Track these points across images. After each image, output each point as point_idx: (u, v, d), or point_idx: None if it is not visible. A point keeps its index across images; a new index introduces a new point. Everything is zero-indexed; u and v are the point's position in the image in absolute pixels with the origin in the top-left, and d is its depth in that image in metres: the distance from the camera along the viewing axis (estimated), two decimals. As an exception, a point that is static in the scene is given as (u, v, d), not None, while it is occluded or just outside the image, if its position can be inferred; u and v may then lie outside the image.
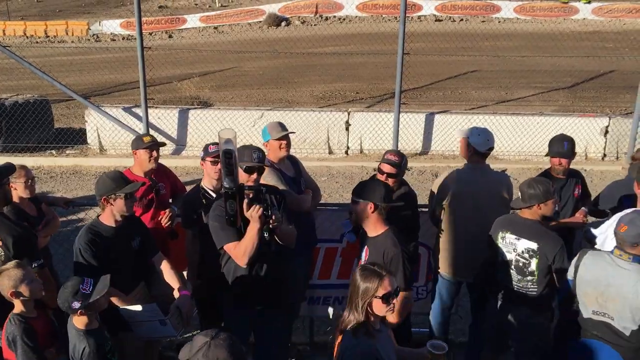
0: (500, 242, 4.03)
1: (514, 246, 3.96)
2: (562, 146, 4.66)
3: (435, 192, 4.63)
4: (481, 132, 4.60)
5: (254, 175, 3.61)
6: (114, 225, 3.63)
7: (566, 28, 24.30)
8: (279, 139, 4.37)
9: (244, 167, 3.57)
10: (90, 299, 3.15)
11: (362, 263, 3.52)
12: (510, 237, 3.98)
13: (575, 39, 20.08)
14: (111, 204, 3.58)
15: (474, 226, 4.35)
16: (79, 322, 3.25)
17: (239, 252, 3.53)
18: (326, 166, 9.98)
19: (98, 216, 3.70)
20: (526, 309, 3.96)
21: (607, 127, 10.03)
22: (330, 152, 10.46)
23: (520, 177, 9.29)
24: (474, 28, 20.29)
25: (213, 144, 4.34)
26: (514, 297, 4.01)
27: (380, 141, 10.01)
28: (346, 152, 10.49)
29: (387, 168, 4.35)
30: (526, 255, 3.91)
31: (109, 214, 3.62)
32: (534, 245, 3.87)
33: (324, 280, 5.04)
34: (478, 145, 4.50)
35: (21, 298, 3.29)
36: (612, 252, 3.51)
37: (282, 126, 4.45)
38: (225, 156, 3.20)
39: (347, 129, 10.41)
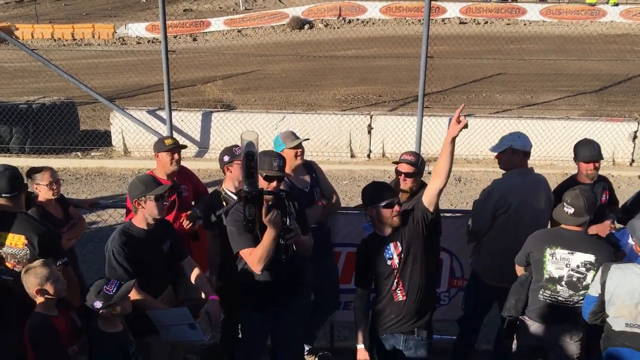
0: (548, 259, 3.82)
1: (567, 261, 3.76)
2: (593, 149, 4.53)
3: (487, 204, 4.41)
4: (519, 135, 4.53)
5: (274, 184, 3.58)
6: (145, 228, 3.65)
7: (593, 31, 23.90)
8: (293, 148, 4.37)
9: (264, 175, 3.53)
10: (111, 300, 3.17)
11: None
12: (561, 252, 3.78)
13: (602, 42, 19.73)
14: (142, 207, 3.60)
15: (528, 231, 4.14)
16: (103, 324, 3.27)
17: (254, 258, 3.52)
18: (348, 170, 9.94)
19: (131, 219, 3.72)
20: (568, 325, 3.82)
21: (635, 132, 9.83)
22: (352, 156, 10.43)
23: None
24: (499, 31, 20.10)
25: (237, 146, 4.34)
26: (558, 314, 3.85)
27: (402, 145, 9.92)
28: (368, 156, 10.44)
29: (404, 168, 4.31)
30: (582, 269, 3.72)
31: (141, 217, 3.64)
32: (591, 258, 3.70)
33: (345, 285, 5.00)
34: (525, 146, 4.43)
35: (45, 296, 3.33)
36: (638, 262, 3.41)
37: (294, 135, 4.45)
38: (247, 158, 3.17)
39: (369, 132, 10.36)
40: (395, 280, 3.73)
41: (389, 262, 3.73)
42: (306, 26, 27.47)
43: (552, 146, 9.84)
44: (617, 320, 3.48)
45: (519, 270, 4.06)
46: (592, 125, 9.76)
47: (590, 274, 3.69)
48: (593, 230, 4.49)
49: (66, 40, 26.54)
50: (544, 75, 15.17)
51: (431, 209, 3.65)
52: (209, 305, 3.68)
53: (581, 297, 3.74)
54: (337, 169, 9.90)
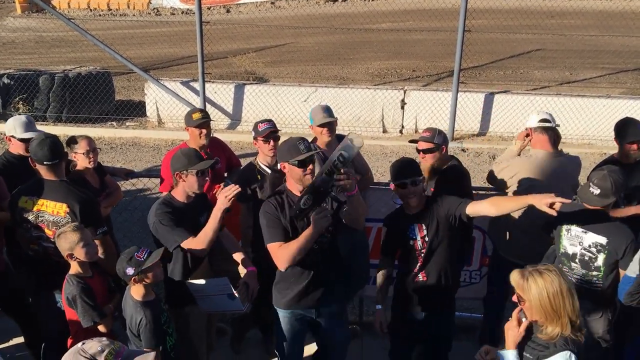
0: (564, 235, 3.85)
1: (580, 239, 3.76)
2: (637, 129, 4.39)
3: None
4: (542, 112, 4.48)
5: (310, 166, 3.40)
6: (185, 201, 3.67)
7: (638, 6, 22.99)
8: (320, 126, 4.37)
9: (296, 162, 3.35)
10: (143, 266, 3.22)
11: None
12: (576, 229, 3.77)
13: (648, 17, 18.99)
14: (183, 180, 3.61)
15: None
16: (135, 292, 3.34)
17: (284, 254, 3.34)
18: (380, 145, 9.86)
19: (170, 192, 3.75)
20: (588, 303, 3.80)
21: (679, 111, 9.48)
22: (385, 131, 10.34)
23: (584, 161, 8.90)
24: (540, 5, 19.45)
25: (262, 121, 4.36)
26: (579, 289, 3.85)
27: (436, 121, 9.79)
28: (400, 132, 10.34)
29: (422, 145, 4.28)
30: (593, 250, 3.71)
31: (182, 190, 3.65)
32: (602, 240, 3.68)
33: (375, 260, 5.00)
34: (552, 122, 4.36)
35: (76, 259, 3.43)
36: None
37: (326, 111, 4.45)
38: (339, 159, 3.14)
39: (402, 107, 10.23)
40: (418, 263, 3.75)
41: (411, 243, 3.74)
42: (340, -2, 27.06)
43: (590, 125, 9.59)
44: (655, 303, 3.43)
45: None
46: (634, 104, 9.46)
47: (600, 256, 3.67)
48: (633, 211, 4.40)
49: (102, 10, 26.73)
50: (584, 51, 14.70)
51: (470, 217, 3.63)
52: (247, 276, 3.73)
53: (594, 277, 3.73)
54: (369, 144, 9.82)
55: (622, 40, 14.33)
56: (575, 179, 4.33)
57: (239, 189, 3.41)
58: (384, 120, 10.32)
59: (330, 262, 3.61)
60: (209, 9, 24.63)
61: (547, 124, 4.31)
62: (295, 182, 3.42)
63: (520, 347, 2.77)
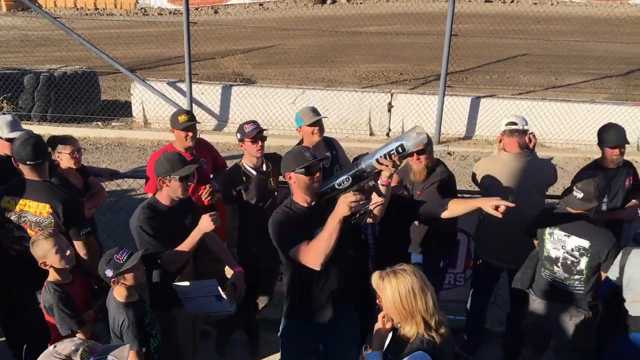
0: (547, 238, 3.90)
1: (563, 243, 3.82)
2: (619, 134, 4.47)
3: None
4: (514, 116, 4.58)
5: (318, 174, 3.30)
6: (169, 204, 3.65)
7: (623, 13, 23.25)
8: (311, 125, 4.36)
9: (303, 170, 3.22)
10: (121, 268, 3.20)
11: None
12: (559, 233, 3.84)
13: (632, 24, 19.24)
14: (167, 185, 3.59)
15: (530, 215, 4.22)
16: (118, 293, 3.32)
17: (313, 248, 3.08)
18: (367, 148, 9.83)
19: (154, 195, 3.72)
20: (570, 307, 3.85)
21: (662, 117, 9.61)
22: (372, 134, 10.36)
23: (567, 165, 9.02)
24: (526, 10, 19.62)
25: (247, 123, 4.35)
26: (558, 294, 3.90)
27: (422, 124, 9.80)
28: (387, 134, 10.36)
29: None
30: (576, 254, 3.77)
31: (166, 194, 3.63)
32: (585, 244, 3.74)
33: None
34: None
35: (50, 267, 3.38)
36: (660, 247, 3.38)
37: (314, 111, 4.43)
38: (397, 149, 3.06)
39: (389, 110, 10.27)
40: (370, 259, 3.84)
41: (363, 237, 3.81)
42: (329, 1, 27.14)
43: (575, 130, 9.68)
44: (634, 305, 3.48)
45: (536, 243, 4.10)
46: (617, 110, 9.56)
47: (583, 260, 3.73)
48: (618, 214, 4.48)
49: (88, 10, 26.55)
50: (569, 57, 14.84)
51: (421, 218, 3.66)
52: (235, 277, 3.72)
53: (576, 281, 3.78)
54: (356, 146, 9.80)
55: (606, 46, 14.48)
56: (542, 181, 4.34)
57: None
58: (371, 123, 10.34)
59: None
60: (196, 9, 24.56)
61: (513, 127, 4.35)
62: (303, 192, 3.30)
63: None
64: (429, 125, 9.74)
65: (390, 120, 10.31)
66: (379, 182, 3.24)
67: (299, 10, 23.84)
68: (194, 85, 10.02)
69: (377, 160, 3.09)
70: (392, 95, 10.30)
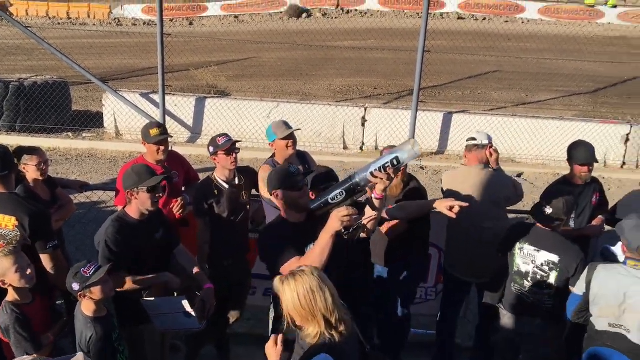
0: (518, 253, 3.95)
1: (533, 258, 3.87)
2: (588, 152, 4.55)
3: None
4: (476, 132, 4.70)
5: (306, 189, 3.27)
6: (139, 218, 3.59)
7: (591, 32, 23.95)
8: (285, 138, 4.34)
9: (291, 185, 3.18)
10: (88, 282, 3.13)
11: None
12: (529, 248, 3.89)
13: (599, 43, 19.82)
14: (135, 198, 3.53)
15: (488, 228, 4.31)
16: (86, 308, 3.24)
17: (306, 261, 2.98)
18: (340, 161, 9.90)
19: (124, 208, 3.66)
20: (540, 321, 3.90)
21: (628, 134, 9.86)
22: (345, 148, 10.41)
23: (537, 181, 9.18)
24: (497, 28, 20.06)
25: (220, 136, 4.32)
26: (528, 308, 3.95)
27: (396, 138, 9.92)
28: (361, 148, 10.42)
29: None
30: (546, 268, 3.83)
31: (135, 207, 3.57)
32: (555, 258, 3.80)
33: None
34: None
35: (8, 286, 3.28)
36: (625, 263, 3.43)
37: (286, 124, 4.42)
38: (392, 161, 3.05)
39: (363, 124, 10.34)
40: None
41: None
42: (304, 15, 27.34)
43: (545, 146, 9.87)
44: (600, 320, 3.52)
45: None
46: (586, 127, 9.79)
47: (553, 274, 3.79)
48: (585, 230, 4.56)
49: (61, 19, 26.29)
50: (539, 74, 15.17)
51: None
52: (204, 293, 3.65)
53: (546, 296, 3.84)
54: (330, 160, 9.85)
55: (575, 65, 14.87)
56: (499, 195, 4.40)
57: None
58: (344, 136, 10.39)
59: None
60: (171, 20, 24.49)
61: (473, 142, 4.46)
62: (292, 208, 3.24)
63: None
64: (402, 139, 9.80)
65: (364, 134, 10.38)
66: (372, 195, 3.22)
67: (275, 24, 23.99)
68: (167, 97, 9.94)
69: (371, 173, 3.07)
70: (366, 110, 10.37)
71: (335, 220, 2.92)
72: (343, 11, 28.19)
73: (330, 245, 2.96)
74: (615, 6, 29.53)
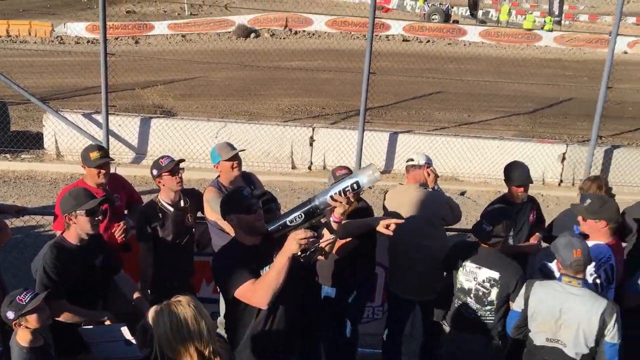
0: (460, 271, 4.05)
1: (475, 275, 3.99)
2: (523, 173, 4.74)
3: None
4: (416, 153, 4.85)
5: (260, 211, 3.24)
6: (78, 243, 3.49)
7: (529, 54, 24.98)
8: (230, 159, 4.33)
9: (246, 209, 3.16)
10: (23, 310, 3.02)
11: None
12: (470, 265, 4.00)
13: (537, 65, 20.68)
14: (74, 222, 3.44)
15: (425, 246, 4.42)
16: (21, 338, 3.13)
17: (260, 285, 2.97)
18: (288, 181, 9.94)
19: (62, 233, 3.55)
20: (482, 337, 4.00)
21: (564, 153, 10.29)
22: (294, 167, 10.44)
23: (480, 199, 9.44)
24: (440, 50, 20.72)
25: (162, 158, 4.27)
26: (470, 325, 4.05)
27: (343, 158, 10.03)
28: (309, 168, 10.48)
29: None
30: (487, 285, 3.94)
31: (74, 232, 3.48)
32: (495, 275, 3.92)
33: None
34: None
35: None
36: (560, 279, 3.57)
37: (231, 145, 4.42)
38: (352, 186, 3.09)
39: (311, 144, 10.41)
40: None
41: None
42: (252, 35, 27.40)
43: (486, 164, 10.16)
44: (538, 335, 3.64)
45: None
46: (524, 146, 10.16)
47: (494, 291, 3.91)
48: (523, 248, 4.73)
49: (0, 37, 25.43)
50: (480, 95, 15.68)
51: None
52: (146, 320, 3.56)
53: (487, 312, 3.96)
54: (278, 180, 9.89)
55: (513, 86, 15.47)
56: (433, 213, 4.50)
57: None
58: (293, 156, 10.43)
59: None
60: (116, 39, 24.08)
61: (410, 162, 4.62)
62: (246, 232, 3.21)
63: None
64: (350, 159, 9.94)
65: (312, 154, 10.45)
66: (331, 218, 3.25)
67: (223, 43, 23.92)
68: (111, 117, 9.73)
69: (331, 196, 3.11)
70: (313, 130, 10.45)
71: (293, 243, 2.91)
72: (291, 32, 28.42)
73: (286, 268, 2.94)
74: (551, 30, 30.97)
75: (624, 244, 4.50)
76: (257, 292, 2.99)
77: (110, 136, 9.64)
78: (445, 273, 4.33)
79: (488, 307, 3.98)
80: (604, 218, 3.97)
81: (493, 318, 3.99)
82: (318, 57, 20.14)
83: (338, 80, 16.42)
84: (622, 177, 10.09)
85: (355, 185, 3.10)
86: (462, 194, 9.78)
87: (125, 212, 4.69)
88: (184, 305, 2.50)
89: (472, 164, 10.20)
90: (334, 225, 3.26)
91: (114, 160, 4.87)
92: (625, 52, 28.54)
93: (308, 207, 3.14)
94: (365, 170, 3.15)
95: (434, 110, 14.76)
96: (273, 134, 10.24)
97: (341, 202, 3.11)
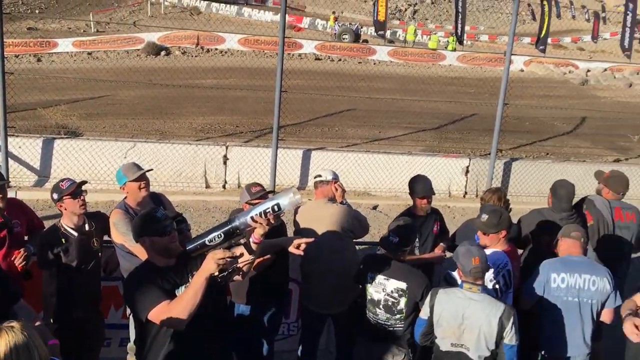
0: (369, 283, 4.17)
1: (384, 286, 4.12)
2: (426, 186, 4.98)
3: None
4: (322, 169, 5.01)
5: (174, 233, 3.25)
6: None
7: (434, 73, 26.20)
8: (136, 180, 4.26)
9: (159, 231, 3.17)
10: None
11: None
12: (379, 277, 4.13)
13: (442, 83, 21.68)
14: None
15: (336, 259, 4.54)
16: None
17: (176, 305, 2.95)
18: (203, 200, 9.81)
19: None
20: (392, 346, 4.14)
21: (467, 167, 10.83)
22: (208, 186, 10.31)
23: (391, 212, 9.73)
24: (351, 68, 21.26)
25: (62, 180, 4.14)
26: (381, 335, 4.18)
27: (258, 176, 10.03)
28: (224, 187, 10.40)
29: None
30: (395, 295, 4.09)
31: None
32: (403, 285, 4.07)
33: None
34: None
35: None
36: (461, 286, 3.78)
37: (137, 166, 4.36)
38: (273, 208, 3.11)
39: (225, 162, 10.34)
40: None
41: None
42: (162, 52, 26.91)
43: (396, 179, 10.49)
44: (444, 340, 3.82)
45: None
46: (431, 161, 10.61)
47: (402, 300, 4.08)
48: (427, 257, 4.95)
49: None
50: (390, 112, 16.22)
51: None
52: (49, 350, 3.40)
53: (397, 321, 4.12)
54: (192, 199, 9.75)
55: (420, 103, 16.12)
56: (341, 227, 4.61)
57: None
58: (206, 175, 10.31)
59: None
60: (17, 57, 22.85)
61: (318, 179, 4.79)
62: (160, 254, 3.18)
63: None
64: (264, 176, 9.97)
65: (226, 173, 10.37)
66: (251, 239, 3.25)
67: (131, 61, 23.34)
68: (10, 139, 9.22)
69: (252, 217, 3.13)
70: (227, 148, 10.40)
71: (211, 263, 2.90)
72: (203, 50, 28.17)
73: (203, 288, 2.92)
74: (454, 49, 32.64)
75: (520, 251, 4.83)
76: (173, 312, 2.96)
77: (9, 159, 9.13)
78: (359, 286, 4.44)
79: (397, 316, 4.13)
80: (504, 228, 4.26)
81: (402, 326, 4.14)
82: (231, 75, 20.10)
83: (252, 98, 16.45)
84: (519, 188, 10.77)
85: (276, 207, 3.15)
86: (375, 208, 10.05)
87: (26, 238, 4.47)
88: (16, 332, 2.28)
89: (383, 179, 10.51)
90: (254, 246, 3.29)
91: (9, 183, 4.64)
92: (522, 70, 30.61)
93: (228, 227, 3.15)
94: (287, 192, 3.21)
95: (346, 127, 15.09)
96: (185, 153, 10.09)
97: (262, 224, 3.15)
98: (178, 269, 3.20)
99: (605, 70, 31.42)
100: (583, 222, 4.94)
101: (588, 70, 31.25)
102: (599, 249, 4.86)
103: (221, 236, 3.12)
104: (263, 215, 3.14)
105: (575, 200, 5.10)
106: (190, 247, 3.17)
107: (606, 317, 4.16)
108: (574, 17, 69.51)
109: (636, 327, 3.63)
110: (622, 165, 12.11)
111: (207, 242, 3.12)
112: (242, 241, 3.29)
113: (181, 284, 3.13)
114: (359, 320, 4.33)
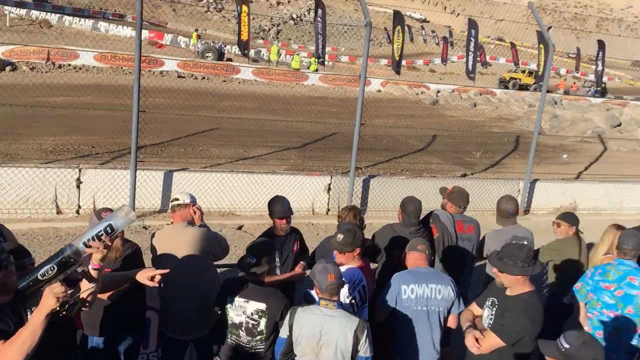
0: (229, 306, 4.17)
1: (244, 309, 4.14)
2: (284, 206, 5.08)
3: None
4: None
5: (10, 268, 3.04)
6: None
7: (298, 92, 26.81)
8: None
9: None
10: None
11: None
12: (239, 300, 4.15)
13: (305, 103, 22.22)
14: None
15: (197, 283, 4.51)
16: None
17: (12, 347, 2.76)
18: (54, 227, 9.15)
19: None
20: None
21: (329, 184, 11.19)
22: (59, 212, 9.64)
23: (257, 232, 9.70)
24: (216, 87, 21.16)
25: None
26: (244, 357, 4.19)
27: (116, 199, 9.58)
28: (77, 212, 9.78)
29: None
30: (255, 317, 4.12)
31: None
32: (262, 306, 4.11)
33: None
34: None
35: None
36: (318, 303, 3.90)
37: None
38: (106, 229, 2.95)
39: (78, 186, 9.74)
40: None
41: None
42: (7, 68, 24.84)
43: (261, 198, 10.53)
44: (303, 358, 3.91)
45: None
46: (295, 179, 10.81)
47: (262, 321, 4.15)
48: (287, 277, 5.03)
49: None
50: (254, 131, 16.31)
51: None
52: None
53: (258, 342, 4.18)
54: (41, 227, 9.06)
55: (285, 123, 16.42)
56: (202, 249, 4.59)
57: None
58: (57, 200, 9.64)
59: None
60: None
61: (175, 202, 4.76)
62: None
63: None
64: (123, 200, 9.55)
65: (79, 197, 9.77)
66: (89, 266, 3.07)
67: (-30, 76, 21.27)
68: None
69: (84, 243, 2.95)
70: (80, 171, 9.81)
71: (50, 298, 2.74)
72: (54, 65, 26.41)
73: (43, 326, 2.75)
74: (316, 70, 33.74)
75: (373, 265, 5.08)
76: (8, 353, 2.76)
77: None
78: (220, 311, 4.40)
79: (258, 337, 4.16)
80: (358, 246, 4.47)
81: (263, 347, 4.17)
82: (87, 92, 19.10)
83: (109, 117, 15.65)
84: (378, 203, 11.33)
85: (109, 228, 3.01)
86: (240, 228, 10.01)
87: None
88: None
89: (248, 199, 10.52)
90: (94, 273, 3.12)
91: None
92: (379, 91, 32.39)
93: (60, 257, 2.96)
94: (118, 212, 3.09)
95: (210, 146, 14.93)
96: (32, 177, 9.36)
97: (98, 248, 3.00)
98: (14, 305, 2.97)
99: (453, 91, 34.30)
100: (430, 235, 5.32)
101: (438, 91, 33.88)
102: (444, 260, 5.26)
103: (54, 268, 2.94)
104: (97, 239, 3.00)
105: (424, 214, 5.48)
106: (23, 284, 2.96)
107: (452, 322, 4.51)
108: (425, 40, 75.11)
109: (476, 339, 3.97)
110: (467, 179, 13.23)
111: (39, 277, 2.93)
112: (79, 269, 3.13)
113: (21, 324, 2.91)
114: (221, 344, 4.30)
